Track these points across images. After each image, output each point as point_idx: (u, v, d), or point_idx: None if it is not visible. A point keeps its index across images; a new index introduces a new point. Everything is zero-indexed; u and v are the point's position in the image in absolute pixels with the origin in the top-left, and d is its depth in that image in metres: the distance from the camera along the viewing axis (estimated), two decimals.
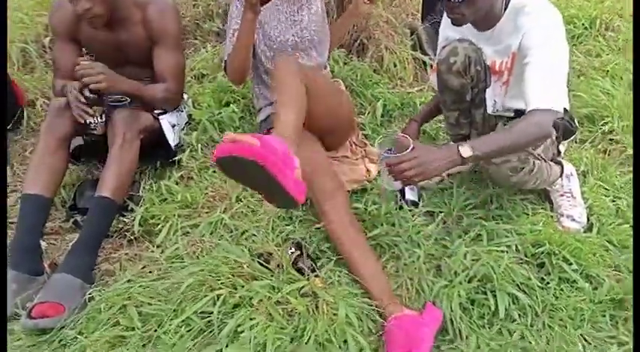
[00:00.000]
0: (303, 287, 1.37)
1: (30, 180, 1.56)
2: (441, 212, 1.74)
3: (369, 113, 2.30)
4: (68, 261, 1.46)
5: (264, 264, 1.44)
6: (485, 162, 1.54)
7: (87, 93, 1.68)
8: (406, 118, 2.36)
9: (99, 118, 1.71)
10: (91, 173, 1.99)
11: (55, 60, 1.87)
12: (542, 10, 1.47)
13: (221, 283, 1.35)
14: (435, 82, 1.75)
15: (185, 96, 2.21)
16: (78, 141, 1.92)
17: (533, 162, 1.57)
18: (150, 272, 1.55)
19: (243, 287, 1.34)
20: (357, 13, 2.04)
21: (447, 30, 1.74)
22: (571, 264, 1.51)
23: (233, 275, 1.37)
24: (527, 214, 1.73)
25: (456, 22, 1.51)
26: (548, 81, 1.41)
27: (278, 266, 1.41)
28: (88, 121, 1.68)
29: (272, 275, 1.39)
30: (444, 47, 1.66)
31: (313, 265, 1.48)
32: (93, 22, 1.67)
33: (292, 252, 1.52)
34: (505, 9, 1.53)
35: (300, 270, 1.45)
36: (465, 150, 1.33)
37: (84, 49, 1.76)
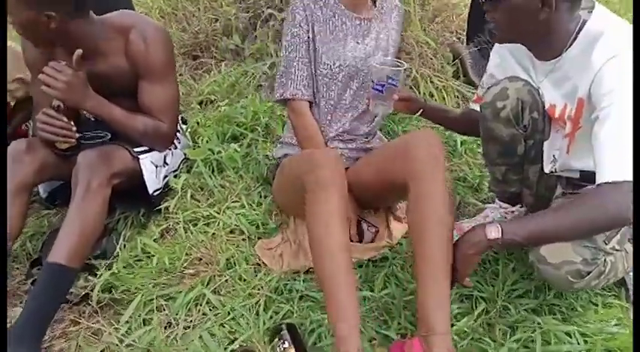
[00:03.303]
0: None
1: None
2: (481, 297, 1.36)
3: None
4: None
5: None
6: (537, 260, 1.13)
7: (55, 103, 1.42)
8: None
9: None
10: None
11: (34, 97, 1.61)
12: (626, 42, 1.08)
13: None
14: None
15: (184, 126, 1.92)
16: (54, 183, 1.67)
17: (605, 260, 1.13)
18: None
19: None
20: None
21: (499, 52, 1.38)
22: None
23: None
24: (596, 305, 1.33)
25: (495, 34, 1.25)
26: (625, 144, 1.03)
27: None
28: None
29: None
30: (489, 88, 1.30)
31: None
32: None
33: (285, 349, 1.18)
34: (578, 34, 1.15)
35: None
36: (492, 231, 1.07)
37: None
